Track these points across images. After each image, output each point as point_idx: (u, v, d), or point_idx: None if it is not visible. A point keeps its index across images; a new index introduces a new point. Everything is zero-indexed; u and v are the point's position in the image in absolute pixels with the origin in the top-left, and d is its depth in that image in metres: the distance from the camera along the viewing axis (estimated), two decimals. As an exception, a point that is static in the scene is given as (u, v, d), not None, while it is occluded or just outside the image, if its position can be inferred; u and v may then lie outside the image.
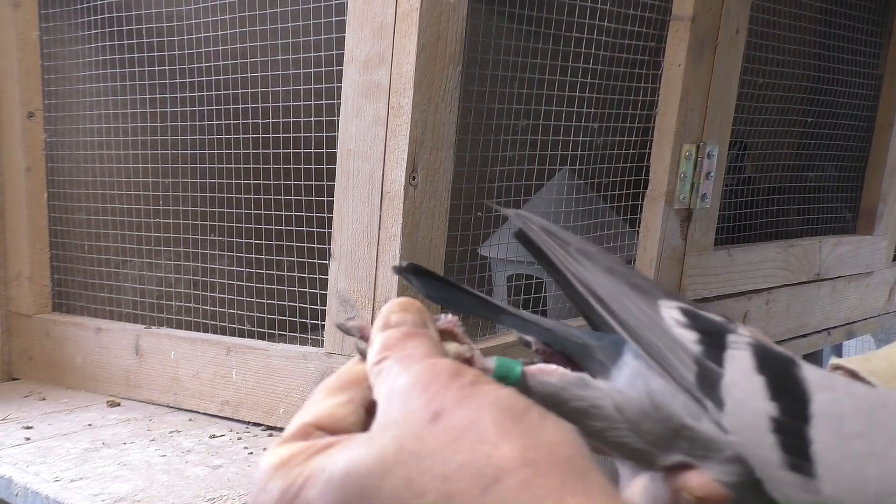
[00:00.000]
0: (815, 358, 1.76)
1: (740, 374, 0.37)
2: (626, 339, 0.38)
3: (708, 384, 0.37)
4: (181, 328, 0.95)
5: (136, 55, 0.97)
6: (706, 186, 1.06)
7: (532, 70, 0.94)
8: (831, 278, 1.33)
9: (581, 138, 1.00)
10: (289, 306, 0.87)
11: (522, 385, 0.37)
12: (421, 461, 0.32)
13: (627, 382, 0.38)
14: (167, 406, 0.92)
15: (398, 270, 0.42)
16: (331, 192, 0.80)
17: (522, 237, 0.42)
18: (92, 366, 0.98)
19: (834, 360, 0.59)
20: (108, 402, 0.94)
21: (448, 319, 0.40)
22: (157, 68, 0.96)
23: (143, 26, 0.96)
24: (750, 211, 1.22)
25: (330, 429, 0.36)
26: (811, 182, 1.32)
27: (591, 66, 0.97)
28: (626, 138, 1.04)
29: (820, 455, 0.35)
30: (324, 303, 0.82)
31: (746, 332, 0.40)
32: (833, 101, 1.31)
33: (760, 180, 1.26)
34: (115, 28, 0.97)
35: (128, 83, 0.98)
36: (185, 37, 0.92)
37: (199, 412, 0.89)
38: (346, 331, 0.39)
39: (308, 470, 0.34)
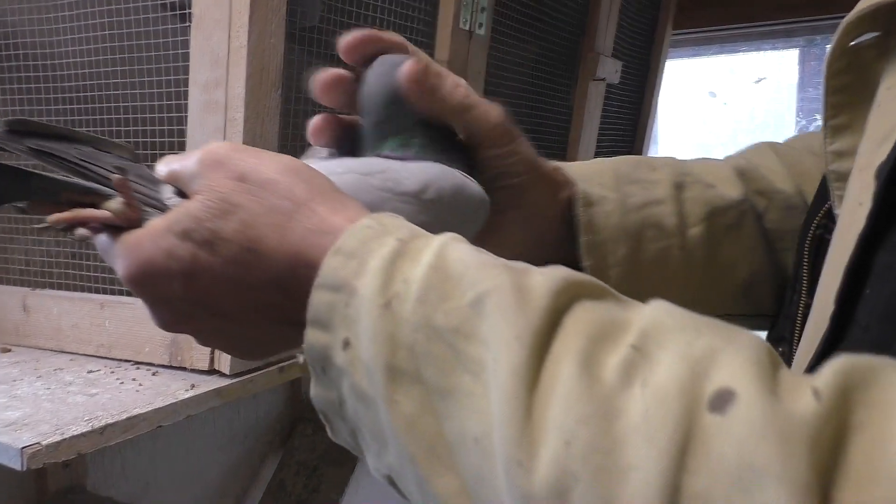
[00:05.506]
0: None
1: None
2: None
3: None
4: (62, 290, 0.86)
5: (17, 74, 0.86)
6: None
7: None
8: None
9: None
10: (151, 270, 0.81)
11: None
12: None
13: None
14: (52, 350, 0.83)
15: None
16: (182, 183, 0.75)
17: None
18: (-14, 322, 0.87)
19: None
20: (0, 349, 0.84)
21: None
22: (41, 85, 0.85)
23: (23, 51, 0.85)
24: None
25: None
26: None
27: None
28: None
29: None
30: (179, 266, 0.77)
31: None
32: (541, 123, 1.38)
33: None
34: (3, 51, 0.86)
35: (9, 97, 0.87)
36: (71, 61, 0.83)
37: (79, 354, 0.81)
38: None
39: None
